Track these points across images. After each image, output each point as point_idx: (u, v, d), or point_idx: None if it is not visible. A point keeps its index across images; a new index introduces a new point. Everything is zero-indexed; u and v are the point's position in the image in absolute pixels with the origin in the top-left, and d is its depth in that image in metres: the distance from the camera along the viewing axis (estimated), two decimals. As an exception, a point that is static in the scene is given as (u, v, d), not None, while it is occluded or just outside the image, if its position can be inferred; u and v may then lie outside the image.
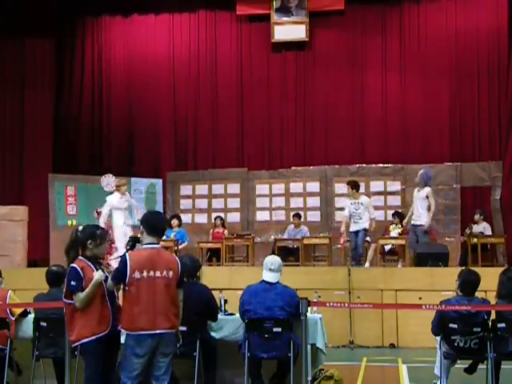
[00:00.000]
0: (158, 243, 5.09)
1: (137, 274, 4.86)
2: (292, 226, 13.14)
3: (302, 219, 13.39)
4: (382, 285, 10.18)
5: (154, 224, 5.11)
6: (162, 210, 14.22)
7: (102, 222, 11.30)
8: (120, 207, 11.57)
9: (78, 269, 5.05)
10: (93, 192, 13.52)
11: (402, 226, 12.17)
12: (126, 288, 4.92)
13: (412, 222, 11.31)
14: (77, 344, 5.08)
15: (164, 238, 12.30)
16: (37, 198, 13.85)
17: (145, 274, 4.86)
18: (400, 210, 13.19)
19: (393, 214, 12.85)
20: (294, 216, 13.23)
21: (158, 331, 4.85)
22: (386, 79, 14.51)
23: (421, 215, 11.18)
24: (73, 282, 5.01)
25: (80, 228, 5.29)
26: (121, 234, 11.42)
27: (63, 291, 5.15)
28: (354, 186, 11.28)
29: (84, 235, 5.22)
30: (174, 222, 12.73)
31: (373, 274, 10.50)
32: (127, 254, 5.01)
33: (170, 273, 4.94)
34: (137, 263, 4.90)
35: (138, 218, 13.52)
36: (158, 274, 4.89)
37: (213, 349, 6.26)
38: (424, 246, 11.32)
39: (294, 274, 9.88)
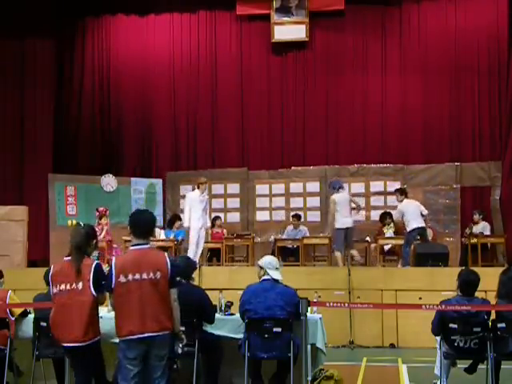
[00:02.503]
0: (145, 243, 4.93)
1: (122, 278, 4.77)
2: (291, 227, 13.13)
3: (301, 219, 13.40)
4: (381, 285, 10.19)
5: (136, 225, 4.98)
6: (162, 210, 14.23)
7: (186, 220, 11.18)
8: (199, 206, 11.31)
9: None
10: (93, 192, 13.54)
11: (394, 225, 12.20)
12: (114, 293, 4.84)
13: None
14: (93, 341, 5.01)
15: (163, 238, 12.35)
16: (37, 198, 13.85)
17: (130, 277, 4.75)
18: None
19: (380, 217, 12.76)
20: (293, 217, 13.21)
21: (147, 334, 4.74)
22: (386, 79, 14.50)
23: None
24: (104, 282, 4.98)
25: (82, 225, 5.29)
26: (194, 236, 11.22)
27: (83, 286, 5.03)
28: (401, 192, 11.92)
29: (92, 234, 5.25)
30: (178, 223, 12.67)
31: (373, 274, 10.50)
32: (114, 259, 4.96)
33: (158, 273, 4.79)
34: (121, 267, 4.80)
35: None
36: (144, 275, 4.75)
37: (214, 349, 6.25)
38: (424, 246, 11.36)
39: (294, 273, 9.89)
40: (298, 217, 13.16)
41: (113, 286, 4.81)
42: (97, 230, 11.54)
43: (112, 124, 15.45)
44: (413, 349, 9.52)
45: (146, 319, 4.73)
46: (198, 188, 11.47)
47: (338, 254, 11.25)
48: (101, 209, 11.97)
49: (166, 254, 4.99)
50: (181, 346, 5.04)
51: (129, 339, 4.76)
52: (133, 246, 4.95)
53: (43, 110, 14.75)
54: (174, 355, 5.17)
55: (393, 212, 12.70)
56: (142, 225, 4.96)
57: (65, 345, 5.10)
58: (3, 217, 12.40)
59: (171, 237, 12.33)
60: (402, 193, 11.89)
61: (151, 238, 5.07)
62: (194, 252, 11.12)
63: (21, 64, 14.83)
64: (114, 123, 15.44)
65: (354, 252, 11.64)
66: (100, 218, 11.82)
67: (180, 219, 13.03)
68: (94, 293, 5.01)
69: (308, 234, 12.94)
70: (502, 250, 12.39)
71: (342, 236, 11.25)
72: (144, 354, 4.77)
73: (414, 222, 11.42)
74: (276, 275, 6.15)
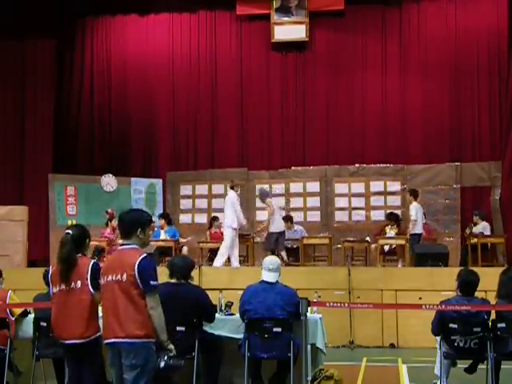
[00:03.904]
0: (129, 243, 4.69)
1: (102, 280, 4.68)
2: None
3: (302, 219, 13.42)
4: (381, 285, 10.18)
5: (119, 224, 4.85)
6: (162, 210, 14.23)
7: (242, 218, 11.42)
8: (235, 207, 11.53)
9: None
10: (93, 192, 13.55)
11: (397, 227, 12.19)
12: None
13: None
14: (94, 337, 4.94)
15: (163, 237, 12.34)
16: (37, 198, 13.86)
17: (105, 278, 4.64)
18: (397, 211, 13.24)
19: (388, 215, 12.73)
20: (285, 220, 12.88)
21: (113, 340, 4.51)
22: (386, 79, 14.50)
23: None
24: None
25: (71, 233, 5.23)
26: (231, 236, 11.34)
27: (81, 284, 5.02)
28: (411, 193, 12.36)
29: (84, 236, 5.24)
30: (161, 222, 12.61)
31: (373, 274, 10.50)
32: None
33: (124, 276, 4.50)
34: (104, 268, 4.74)
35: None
36: (114, 277, 4.57)
37: (214, 349, 6.25)
38: (424, 246, 11.37)
39: (294, 273, 9.89)
40: (290, 219, 13.01)
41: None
42: (107, 231, 11.73)
43: (112, 124, 15.45)
44: (413, 349, 9.51)
45: (114, 324, 4.53)
46: (232, 189, 11.68)
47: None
48: (110, 210, 11.98)
49: (142, 255, 4.56)
50: (165, 358, 4.50)
51: (104, 343, 4.66)
52: (120, 246, 4.88)
53: (43, 110, 14.77)
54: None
55: (394, 212, 12.78)
56: (122, 224, 4.80)
57: (66, 342, 5.04)
58: (3, 217, 12.41)
59: (161, 237, 12.27)
60: (412, 193, 12.34)
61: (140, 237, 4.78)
62: (227, 251, 11.26)
63: (21, 64, 14.86)
64: (114, 123, 15.44)
65: (283, 253, 12.08)
66: (110, 220, 11.83)
67: (163, 217, 12.81)
68: (92, 291, 4.97)
69: (305, 233, 12.89)
70: (502, 249, 12.39)
71: (274, 239, 11.93)
72: (117, 363, 4.55)
73: (419, 227, 11.87)
74: (267, 276, 6.12)
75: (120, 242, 4.90)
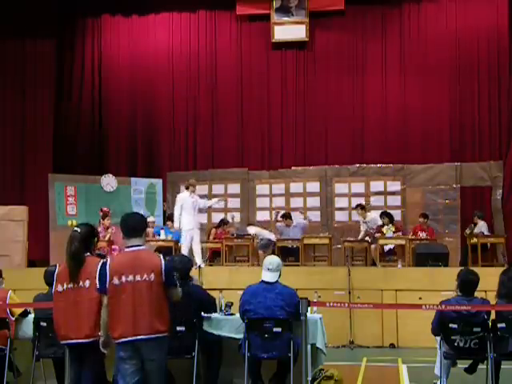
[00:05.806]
0: (140, 245, 4.85)
1: (115, 280, 4.70)
2: (282, 225, 12.81)
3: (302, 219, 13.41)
4: (382, 285, 10.19)
5: (126, 225, 4.90)
6: (162, 210, 14.24)
7: (176, 222, 11.35)
8: (188, 207, 11.42)
9: None
10: (93, 192, 13.53)
11: (393, 225, 12.17)
12: (108, 295, 4.77)
13: None
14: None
15: (163, 237, 12.34)
16: (37, 198, 13.86)
17: (123, 279, 4.68)
18: (397, 211, 13.26)
19: (380, 215, 12.58)
20: (284, 218, 12.79)
21: (138, 337, 4.65)
22: (386, 79, 14.51)
23: None
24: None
25: (79, 230, 5.22)
26: (188, 237, 11.27)
27: (90, 283, 5.01)
28: (362, 207, 12.62)
29: (91, 234, 5.24)
30: (169, 223, 12.62)
31: (373, 274, 10.51)
32: (108, 260, 4.89)
33: (152, 275, 4.70)
34: (116, 268, 4.74)
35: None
36: (138, 277, 4.68)
37: (214, 349, 6.26)
38: (424, 246, 11.37)
39: (294, 273, 9.88)
40: (289, 217, 12.84)
41: (107, 287, 4.75)
42: (99, 229, 11.69)
43: (112, 124, 15.45)
44: (413, 349, 9.52)
45: (138, 322, 4.64)
46: (187, 189, 11.58)
47: (261, 253, 11.93)
48: (105, 209, 11.97)
49: (161, 256, 4.88)
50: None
51: (121, 342, 4.70)
52: (128, 247, 4.89)
53: (43, 110, 14.77)
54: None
55: (385, 211, 12.83)
56: (130, 224, 4.88)
57: (73, 342, 5.03)
58: (3, 217, 12.40)
59: (163, 236, 12.26)
60: (362, 208, 12.67)
61: (146, 239, 4.96)
62: (188, 250, 11.21)
63: (21, 64, 14.86)
64: (114, 123, 15.44)
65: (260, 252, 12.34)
66: (103, 218, 11.83)
67: (170, 219, 12.85)
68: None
69: (307, 222, 12.81)
70: (502, 249, 12.38)
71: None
72: (137, 357, 4.68)
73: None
74: (267, 276, 6.12)
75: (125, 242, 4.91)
